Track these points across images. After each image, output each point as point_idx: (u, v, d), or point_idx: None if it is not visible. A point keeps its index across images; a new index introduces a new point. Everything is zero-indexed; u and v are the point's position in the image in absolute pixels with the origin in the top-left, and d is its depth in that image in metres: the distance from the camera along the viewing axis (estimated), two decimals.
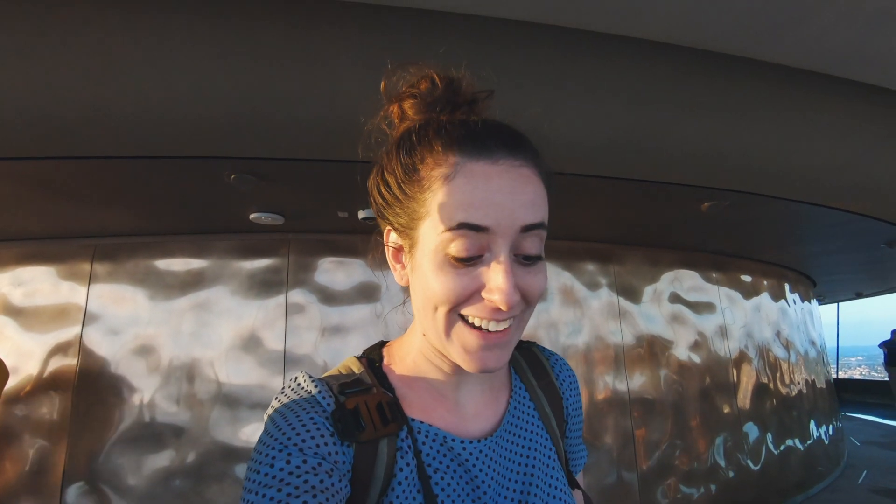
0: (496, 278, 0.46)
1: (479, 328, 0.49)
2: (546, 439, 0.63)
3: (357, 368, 0.58)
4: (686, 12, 1.59)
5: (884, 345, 9.52)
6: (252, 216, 3.11)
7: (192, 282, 3.43)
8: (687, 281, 4.64)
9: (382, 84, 0.57)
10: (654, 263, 4.48)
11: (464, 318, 0.49)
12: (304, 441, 0.46)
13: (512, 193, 0.47)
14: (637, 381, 4.10)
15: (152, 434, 3.18)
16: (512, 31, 1.91)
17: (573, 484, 0.65)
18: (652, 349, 4.25)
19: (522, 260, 0.48)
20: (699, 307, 4.64)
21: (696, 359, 4.47)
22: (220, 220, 3.25)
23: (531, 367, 0.69)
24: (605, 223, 3.77)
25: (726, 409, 4.52)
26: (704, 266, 4.77)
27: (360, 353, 0.64)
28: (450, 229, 0.46)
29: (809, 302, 6.62)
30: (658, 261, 4.50)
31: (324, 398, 0.51)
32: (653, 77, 2.06)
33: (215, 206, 2.98)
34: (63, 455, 3.08)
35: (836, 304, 11.74)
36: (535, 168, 0.50)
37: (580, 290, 4.10)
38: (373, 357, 0.61)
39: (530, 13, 1.81)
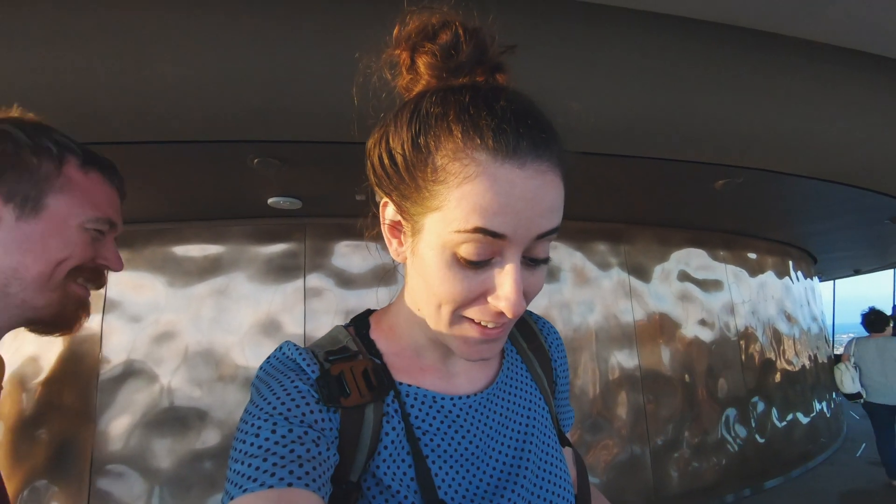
0: (505, 287, 0.45)
1: (480, 324, 0.49)
2: (539, 399, 0.65)
3: (343, 337, 0.58)
4: None
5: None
6: (270, 200, 3.12)
7: (209, 268, 3.44)
8: (695, 259, 4.70)
9: (396, 29, 0.50)
10: (663, 242, 4.53)
11: (466, 317, 0.49)
12: (289, 410, 0.45)
13: (534, 201, 0.44)
14: (648, 359, 4.18)
15: (176, 418, 3.22)
16: (538, 4, 1.90)
17: (564, 442, 0.67)
18: (662, 327, 4.32)
19: (529, 262, 0.48)
20: (707, 285, 4.71)
21: (705, 335, 4.55)
22: (236, 206, 3.26)
23: (521, 330, 0.70)
24: (617, 203, 3.80)
25: (733, 384, 4.62)
26: (712, 244, 4.82)
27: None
28: (463, 231, 0.44)
29: (811, 279, 6.71)
30: (667, 240, 4.55)
31: (308, 365, 0.51)
32: (677, 54, 2.07)
33: (234, 191, 2.99)
34: (90, 441, 3.12)
35: (832, 282, 11.89)
36: (558, 168, 0.47)
37: (592, 270, 4.15)
38: (360, 326, 0.61)
39: None
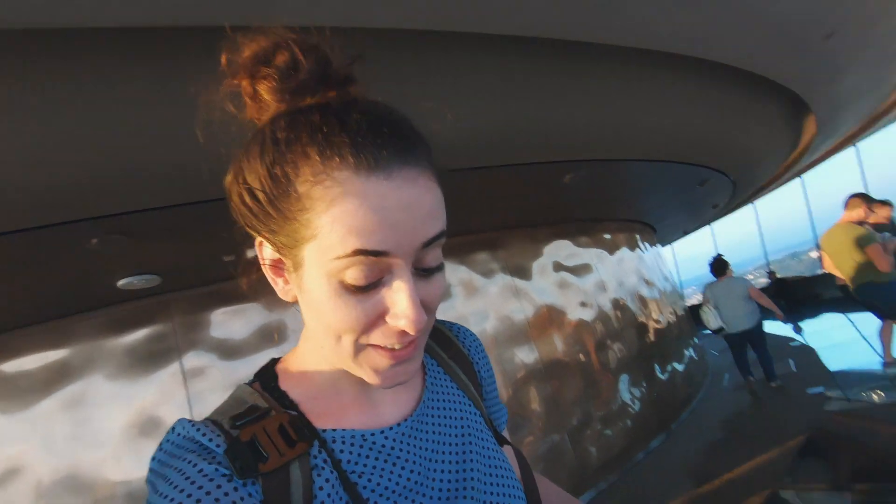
0: (400, 304, 0.43)
1: (387, 348, 0.46)
2: (469, 404, 0.64)
3: (249, 395, 0.51)
4: (523, 4, 1.83)
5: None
6: (121, 283, 2.72)
7: (54, 377, 2.89)
8: (563, 250, 5.15)
9: (224, 58, 0.46)
10: (534, 240, 4.89)
11: (371, 344, 0.46)
12: (198, 501, 0.39)
13: (410, 210, 0.42)
14: (545, 350, 4.44)
15: None
16: (375, 41, 1.96)
17: (501, 441, 0.66)
18: (550, 317, 4.64)
19: (422, 272, 0.46)
20: (578, 270, 5.18)
21: (587, 315, 4.99)
22: (79, 297, 2.79)
23: (436, 340, 0.68)
24: (488, 212, 4.03)
25: (620, 353, 5.12)
26: (574, 233, 5.33)
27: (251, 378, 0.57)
28: (343, 256, 0.41)
29: (655, 246, 7.77)
30: (537, 237, 4.93)
31: (210, 440, 0.44)
32: (517, 70, 2.29)
33: (74, 281, 2.56)
34: None
35: (671, 246, 13.92)
36: (429, 172, 0.45)
37: (478, 280, 4.32)
38: (266, 378, 0.55)
39: (393, 21, 1.89)
